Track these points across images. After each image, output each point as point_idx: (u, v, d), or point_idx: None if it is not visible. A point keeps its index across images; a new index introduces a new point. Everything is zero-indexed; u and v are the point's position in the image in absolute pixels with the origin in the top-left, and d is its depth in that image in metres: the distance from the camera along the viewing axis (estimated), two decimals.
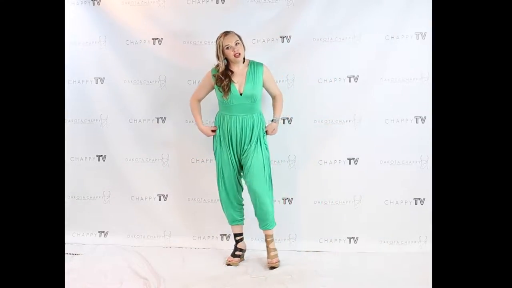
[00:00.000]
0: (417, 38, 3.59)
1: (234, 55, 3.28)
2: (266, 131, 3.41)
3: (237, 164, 3.43)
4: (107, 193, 3.95)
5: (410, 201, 3.70)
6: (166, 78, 3.82)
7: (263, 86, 3.40)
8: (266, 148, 3.41)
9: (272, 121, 3.45)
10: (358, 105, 3.67)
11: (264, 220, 3.43)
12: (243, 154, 3.37)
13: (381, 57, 3.63)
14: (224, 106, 3.38)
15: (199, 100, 3.52)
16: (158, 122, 3.87)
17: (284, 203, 3.72)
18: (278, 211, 3.54)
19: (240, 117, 3.35)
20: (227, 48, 3.28)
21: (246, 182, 3.44)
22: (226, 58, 3.34)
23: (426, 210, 3.59)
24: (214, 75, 3.37)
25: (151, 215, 3.92)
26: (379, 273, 3.26)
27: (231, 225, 3.57)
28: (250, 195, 3.44)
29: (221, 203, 3.53)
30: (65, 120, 3.78)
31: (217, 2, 3.72)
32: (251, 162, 3.34)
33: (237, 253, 3.54)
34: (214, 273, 3.31)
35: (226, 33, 3.30)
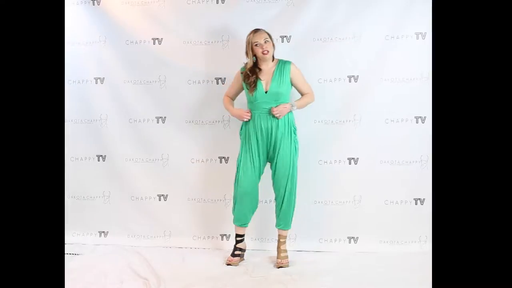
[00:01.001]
0: (417, 38, 3.59)
1: (262, 53, 3.30)
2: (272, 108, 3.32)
3: (260, 165, 3.41)
4: (107, 193, 3.95)
5: (410, 201, 3.70)
6: (166, 78, 3.82)
7: (292, 84, 3.40)
8: (296, 149, 3.40)
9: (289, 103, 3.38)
10: (358, 105, 3.67)
11: (284, 220, 3.45)
12: (271, 154, 3.38)
13: (381, 57, 3.63)
14: (251, 105, 3.39)
15: (231, 98, 3.53)
16: (158, 122, 3.87)
17: None
18: None
19: (265, 115, 3.34)
20: (256, 45, 3.30)
21: (273, 180, 3.43)
22: (255, 56, 3.35)
23: (426, 210, 3.59)
24: (242, 73, 3.39)
25: (151, 215, 3.92)
26: (379, 273, 3.25)
27: (237, 226, 3.53)
28: (275, 193, 3.45)
29: (234, 202, 3.49)
30: (65, 120, 3.78)
31: (217, 2, 3.72)
32: (280, 163, 3.35)
33: (237, 252, 3.53)
34: (214, 273, 3.31)
35: (256, 31, 3.33)
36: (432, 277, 2.21)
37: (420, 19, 3.55)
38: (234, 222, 3.54)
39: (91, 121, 3.91)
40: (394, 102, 3.65)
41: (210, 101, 3.78)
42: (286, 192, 3.39)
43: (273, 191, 3.49)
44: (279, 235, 3.51)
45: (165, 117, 3.86)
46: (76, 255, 3.66)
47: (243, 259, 3.56)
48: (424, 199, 3.67)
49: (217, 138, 3.81)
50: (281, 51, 3.65)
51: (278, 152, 3.35)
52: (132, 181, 3.92)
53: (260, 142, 3.37)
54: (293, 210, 3.46)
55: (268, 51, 3.30)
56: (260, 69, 3.36)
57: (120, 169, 3.91)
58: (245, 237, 3.60)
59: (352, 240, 3.74)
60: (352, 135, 3.69)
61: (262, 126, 3.35)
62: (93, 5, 3.81)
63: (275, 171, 3.40)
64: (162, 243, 3.88)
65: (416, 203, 3.69)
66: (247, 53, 3.36)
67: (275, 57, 3.42)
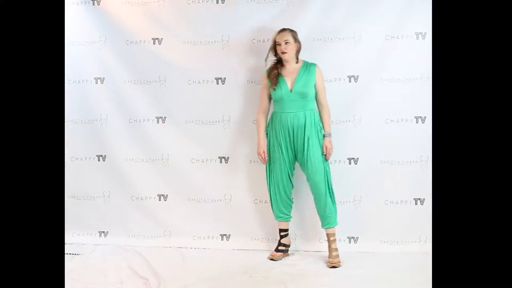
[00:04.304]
0: (417, 38, 3.59)
1: (281, 52, 3.36)
2: (323, 149, 3.40)
3: (290, 162, 3.46)
4: (107, 193, 3.95)
5: (410, 201, 3.69)
6: (166, 78, 3.82)
7: (314, 87, 3.42)
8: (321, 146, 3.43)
9: (323, 136, 3.43)
10: (358, 105, 3.67)
11: (326, 218, 3.46)
12: (300, 152, 3.40)
13: (381, 57, 3.63)
14: (277, 103, 3.43)
15: (265, 112, 3.53)
16: (158, 122, 3.87)
17: None
18: None
19: (291, 114, 3.38)
20: (278, 44, 3.37)
21: (308, 181, 3.46)
22: (277, 54, 3.42)
23: (426, 210, 3.59)
24: (267, 71, 3.46)
25: (151, 215, 3.92)
26: (379, 273, 3.25)
27: (278, 220, 3.59)
28: (314, 195, 3.47)
29: (270, 199, 3.56)
30: (65, 120, 3.78)
31: (217, 2, 3.72)
32: (312, 160, 3.38)
33: (280, 248, 3.57)
34: (214, 273, 3.31)
35: (281, 30, 3.40)
36: (432, 277, 2.21)
37: (420, 19, 3.54)
38: (275, 218, 3.59)
39: (91, 121, 3.91)
40: (394, 102, 3.64)
41: (210, 101, 3.78)
42: (327, 189, 3.42)
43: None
44: (327, 234, 3.51)
45: (165, 117, 3.86)
46: (76, 255, 3.66)
47: (287, 255, 3.59)
48: (424, 199, 3.66)
49: (217, 138, 3.81)
50: None
51: (307, 153, 3.38)
52: (132, 181, 3.92)
53: (288, 140, 3.41)
54: (335, 206, 3.47)
55: (286, 52, 3.35)
56: (283, 65, 3.41)
57: (120, 169, 3.92)
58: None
59: (352, 240, 3.74)
60: (352, 135, 3.69)
61: (289, 125, 3.38)
62: (93, 5, 3.81)
63: (308, 172, 3.42)
64: (162, 243, 3.87)
65: (416, 203, 3.69)
66: (272, 50, 3.43)
67: (301, 58, 3.45)
